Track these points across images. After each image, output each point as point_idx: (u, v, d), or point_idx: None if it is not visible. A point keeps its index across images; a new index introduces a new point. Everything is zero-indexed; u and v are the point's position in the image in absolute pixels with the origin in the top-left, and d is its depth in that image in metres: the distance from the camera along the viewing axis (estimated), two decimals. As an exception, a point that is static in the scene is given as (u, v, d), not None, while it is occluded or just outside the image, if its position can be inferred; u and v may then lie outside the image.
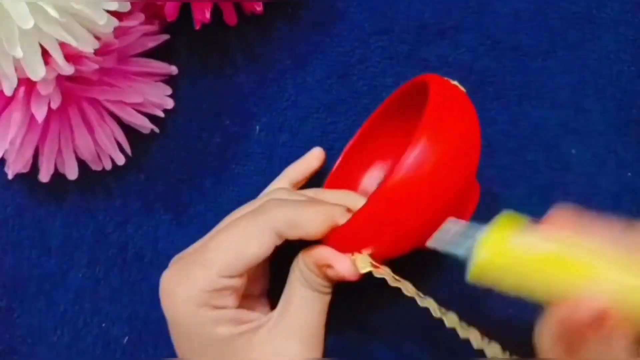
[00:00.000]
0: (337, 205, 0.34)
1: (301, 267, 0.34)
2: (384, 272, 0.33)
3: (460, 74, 0.44)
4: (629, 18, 0.44)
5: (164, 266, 0.43)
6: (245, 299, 0.36)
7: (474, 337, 0.33)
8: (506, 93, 0.44)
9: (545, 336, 0.31)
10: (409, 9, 0.44)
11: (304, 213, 0.33)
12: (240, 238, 0.33)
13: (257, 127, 0.44)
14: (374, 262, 0.33)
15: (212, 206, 0.44)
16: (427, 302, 0.33)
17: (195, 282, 0.33)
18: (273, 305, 0.37)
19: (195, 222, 0.44)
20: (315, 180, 0.42)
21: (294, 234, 0.33)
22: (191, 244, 0.43)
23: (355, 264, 0.33)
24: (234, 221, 0.34)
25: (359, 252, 0.33)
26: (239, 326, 0.34)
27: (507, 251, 0.30)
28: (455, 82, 0.35)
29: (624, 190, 0.42)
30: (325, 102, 0.44)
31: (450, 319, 0.33)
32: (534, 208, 0.42)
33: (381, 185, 0.31)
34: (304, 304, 0.34)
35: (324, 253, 0.33)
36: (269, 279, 0.39)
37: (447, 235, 0.32)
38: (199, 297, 0.33)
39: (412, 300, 0.33)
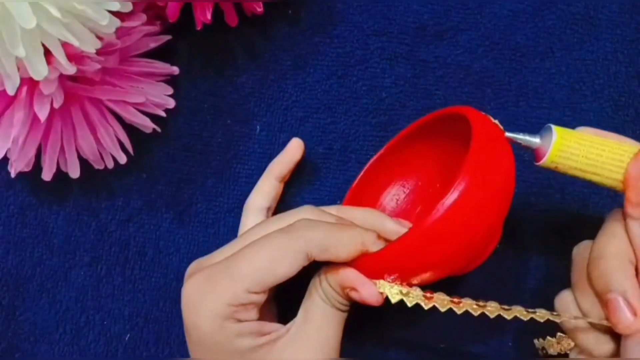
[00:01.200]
0: (369, 231, 0.35)
1: (323, 284, 0.35)
2: (414, 297, 0.34)
3: (458, 74, 0.44)
4: (626, 19, 0.44)
5: (166, 264, 0.44)
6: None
7: (520, 313, 0.33)
8: (504, 94, 0.44)
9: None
10: (407, 10, 0.45)
11: (337, 237, 0.33)
12: (272, 257, 0.33)
13: (258, 127, 0.44)
14: (403, 290, 0.33)
15: (213, 205, 0.44)
16: (465, 305, 0.34)
17: (223, 295, 0.33)
18: (280, 308, 0.37)
19: (197, 221, 0.44)
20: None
21: (324, 257, 0.33)
22: (191, 243, 0.44)
23: (382, 291, 0.33)
24: (266, 237, 0.34)
25: (383, 278, 0.33)
26: (260, 338, 0.34)
27: (573, 135, 0.34)
28: (496, 121, 0.35)
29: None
30: (325, 102, 0.44)
31: (493, 308, 0.33)
32: (534, 208, 0.42)
33: (419, 222, 0.32)
34: (323, 318, 0.34)
35: (350, 276, 0.34)
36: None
37: (519, 135, 0.35)
38: (225, 310, 0.33)
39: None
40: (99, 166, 0.42)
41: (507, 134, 0.34)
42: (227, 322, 0.33)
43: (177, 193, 0.44)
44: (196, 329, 0.34)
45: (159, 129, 0.43)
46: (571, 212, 0.42)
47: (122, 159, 0.42)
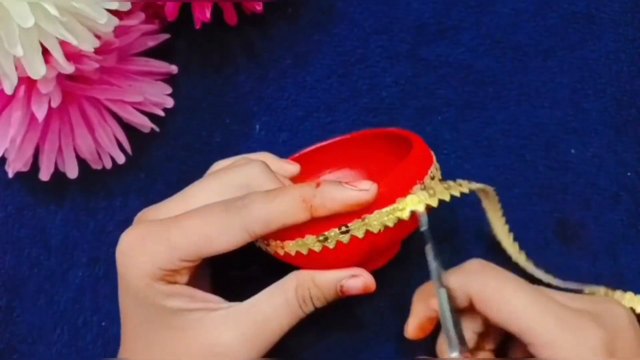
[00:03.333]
0: (303, 185, 0.33)
1: (308, 285, 0.34)
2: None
3: (460, 73, 0.44)
4: (628, 18, 0.44)
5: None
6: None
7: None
8: (506, 93, 0.44)
9: None
10: (408, 8, 0.44)
11: (274, 207, 0.32)
12: (209, 233, 0.33)
13: (257, 126, 0.44)
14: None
15: (212, 205, 0.44)
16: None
17: (156, 259, 0.33)
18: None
19: (195, 221, 0.44)
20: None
21: (270, 230, 0.33)
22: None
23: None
24: (205, 210, 0.33)
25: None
26: (192, 303, 0.34)
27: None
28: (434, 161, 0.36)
29: (623, 190, 0.42)
30: (325, 102, 0.44)
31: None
32: (534, 208, 0.42)
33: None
34: (280, 313, 0.34)
35: (340, 271, 0.34)
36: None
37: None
38: (156, 272, 0.33)
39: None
40: (97, 166, 0.42)
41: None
42: (157, 283, 0.33)
43: (175, 193, 0.44)
44: (125, 280, 0.34)
45: (157, 129, 0.43)
46: (572, 212, 0.42)
47: (121, 159, 0.42)
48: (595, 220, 0.42)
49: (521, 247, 0.40)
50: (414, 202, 0.32)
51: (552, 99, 0.43)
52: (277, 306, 0.33)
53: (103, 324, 0.43)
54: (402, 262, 0.38)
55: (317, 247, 0.32)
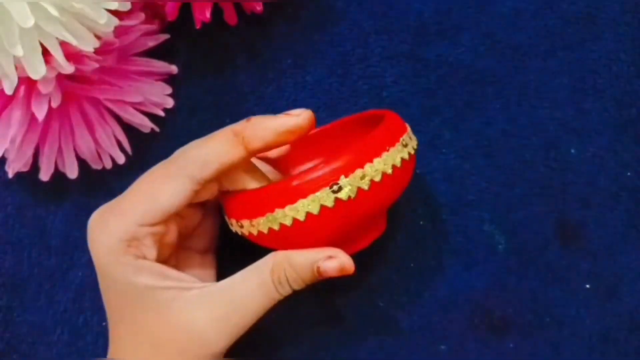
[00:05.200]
0: (239, 123, 0.34)
1: (284, 266, 0.33)
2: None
3: (460, 73, 0.44)
4: (628, 18, 0.44)
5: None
6: (185, 253, 0.37)
7: None
8: (506, 93, 0.44)
9: None
10: (408, 8, 0.44)
11: (209, 147, 0.33)
12: (153, 186, 0.33)
13: (257, 127, 0.44)
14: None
15: (212, 205, 0.44)
16: None
17: (114, 232, 0.33)
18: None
19: (195, 221, 0.44)
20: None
21: (210, 172, 0.33)
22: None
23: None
24: (150, 170, 0.34)
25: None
26: (164, 281, 0.33)
27: None
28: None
29: (623, 190, 0.42)
30: (325, 102, 0.44)
31: None
32: (534, 208, 0.42)
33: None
34: (256, 294, 0.33)
35: (316, 251, 0.33)
36: (215, 236, 0.39)
37: None
38: (118, 246, 0.33)
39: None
40: (97, 166, 0.42)
41: None
42: (125, 258, 0.33)
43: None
44: (98, 267, 0.34)
45: (157, 129, 0.43)
46: (572, 212, 0.42)
47: (120, 159, 0.42)
48: (595, 220, 0.42)
49: (522, 246, 0.40)
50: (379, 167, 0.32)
51: (552, 99, 0.43)
52: (252, 288, 0.33)
53: (103, 324, 0.43)
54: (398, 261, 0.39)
55: (287, 221, 0.32)
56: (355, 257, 0.34)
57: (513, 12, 0.44)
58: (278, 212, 0.32)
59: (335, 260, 0.33)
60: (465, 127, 0.43)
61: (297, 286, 0.33)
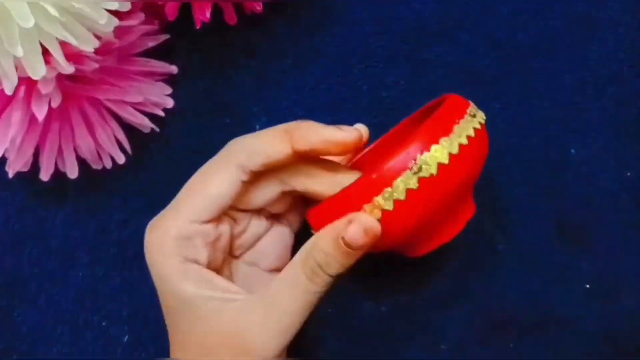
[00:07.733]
0: (293, 123, 0.34)
1: (315, 254, 0.32)
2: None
3: (460, 73, 0.44)
4: (628, 18, 0.44)
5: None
6: (250, 269, 0.36)
7: None
8: (506, 93, 0.44)
9: None
10: (409, 8, 0.44)
11: (261, 138, 0.33)
12: (203, 179, 0.33)
13: (257, 127, 0.44)
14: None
15: (212, 205, 0.44)
16: None
17: (167, 230, 0.33)
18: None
19: (196, 221, 0.44)
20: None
21: (256, 162, 0.33)
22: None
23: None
24: (201, 167, 0.35)
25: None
26: (210, 289, 0.32)
27: None
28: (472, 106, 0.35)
29: (623, 190, 0.42)
30: (325, 102, 0.44)
31: None
32: (534, 208, 0.42)
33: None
34: (294, 297, 0.32)
35: (336, 223, 0.32)
36: (284, 257, 0.38)
37: None
38: (168, 244, 0.32)
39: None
40: (97, 166, 0.42)
41: None
42: (173, 259, 0.32)
43: (175, 193, 0.44)
44: (149, 261, 0.34)
45: (157, 129, 0.43)
46: (572, 212, 0.42)
47: (121, 159, 0.42)
48: (596, 220, 0.42)
49: (522, 246, 0.40)
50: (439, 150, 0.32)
51: (552, 99, 0.43)
52: (288, 287, 0.32)
53: (104, 324, 0.43)
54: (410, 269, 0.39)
55: (377, 214, 0.31)
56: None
57: (513, 12, 0.44)
58: (367, 208, 0.32)
59: (355, 223, 0.31)
60: (465, 127, 0.43)
61: (332, 270, 0.31)
